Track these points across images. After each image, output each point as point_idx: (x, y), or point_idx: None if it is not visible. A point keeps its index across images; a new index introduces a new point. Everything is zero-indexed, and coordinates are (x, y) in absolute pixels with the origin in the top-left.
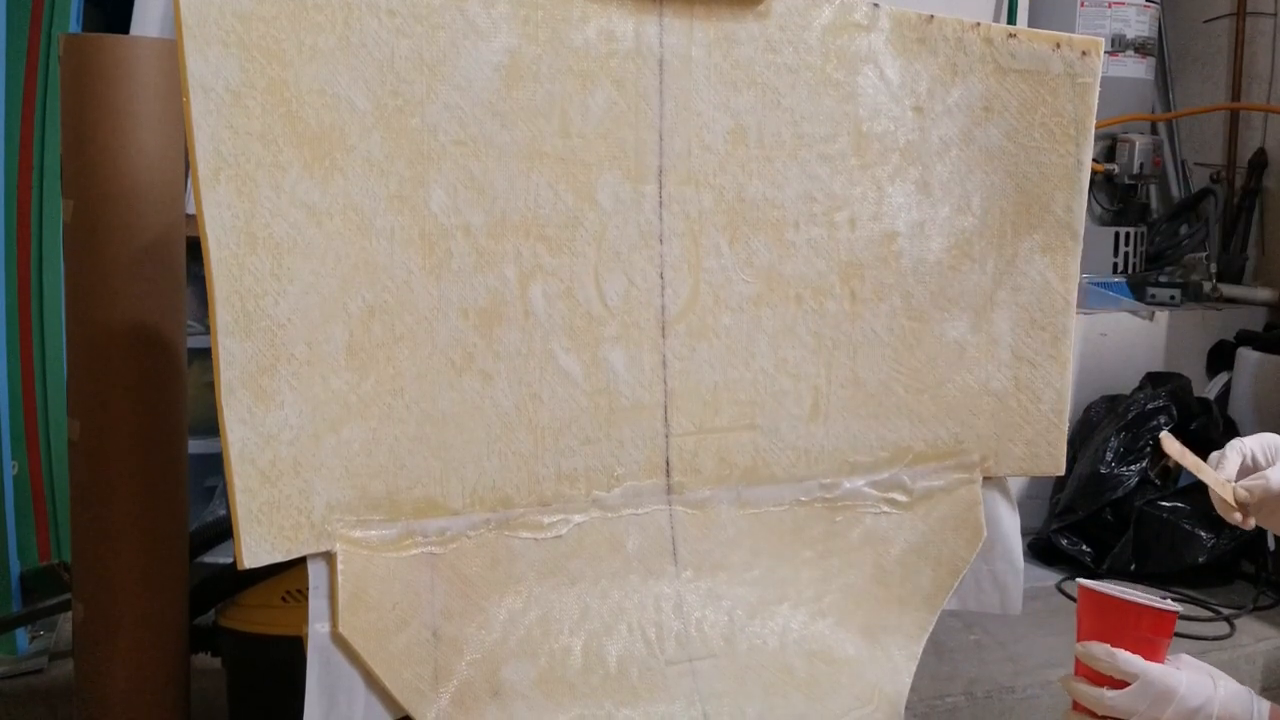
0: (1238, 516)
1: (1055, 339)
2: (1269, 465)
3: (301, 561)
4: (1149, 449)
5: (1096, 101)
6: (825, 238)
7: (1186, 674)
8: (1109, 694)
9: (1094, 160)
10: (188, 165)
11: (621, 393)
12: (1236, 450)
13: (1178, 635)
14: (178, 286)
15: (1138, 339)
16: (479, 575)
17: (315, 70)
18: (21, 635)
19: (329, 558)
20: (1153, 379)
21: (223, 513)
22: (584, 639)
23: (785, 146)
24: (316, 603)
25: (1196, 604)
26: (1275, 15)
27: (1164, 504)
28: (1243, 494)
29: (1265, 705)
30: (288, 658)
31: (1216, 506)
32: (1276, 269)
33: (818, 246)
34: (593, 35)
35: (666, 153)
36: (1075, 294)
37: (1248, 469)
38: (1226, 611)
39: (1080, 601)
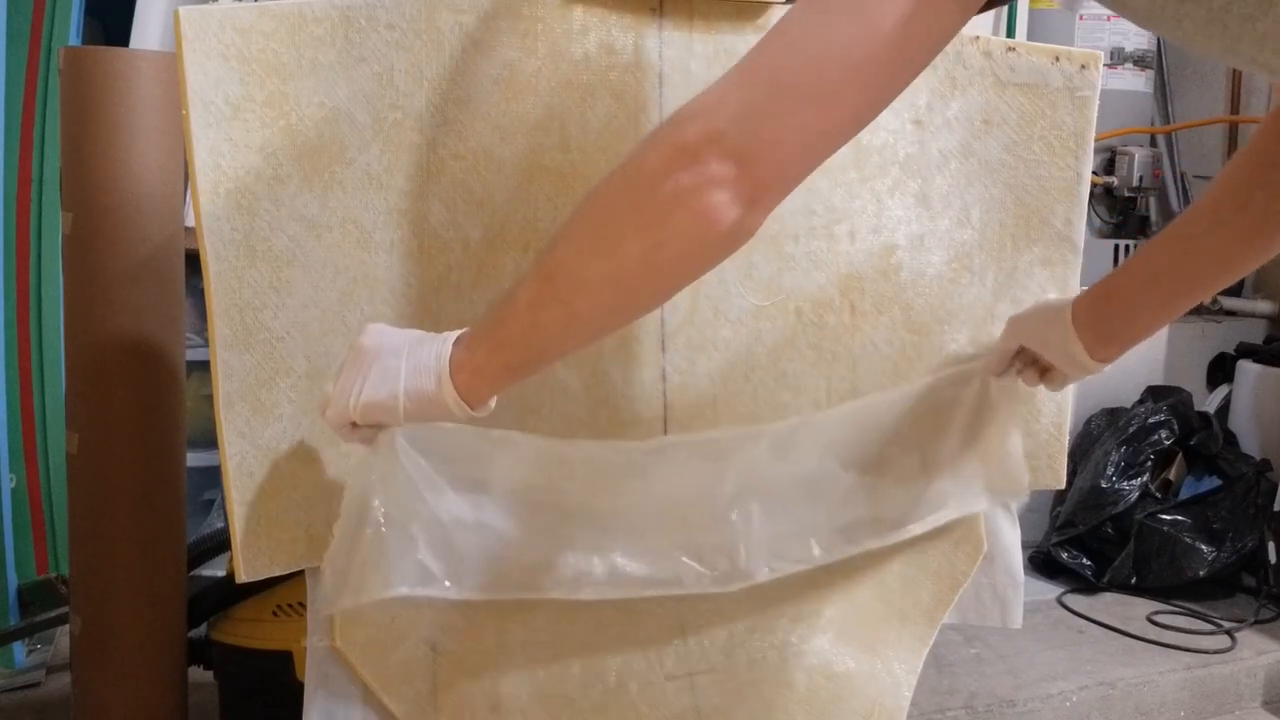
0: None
1: None
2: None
3: (294, 575)
4: (1150, 462)
5: (1096, 114)
6: (825, 250)
7: None
8: None
9: (1093, 173)
10: (187, 178)
11: (620, 406)
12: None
13: (1178, 649)
14: (177, 299)
15: (1138, 352)
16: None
17: (315, 84)
18: (19, 649)
19: None
20: (1153, 392)
21: (221, 525)
22: (583, 654)
23: None
24: (315, 616)
25: (1197, 617)
26: None
27: (1164, 517)
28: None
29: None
30: (279, 672)
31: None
32: (1276, 281)
33: (817, 259)
34: (592, 48)
35: None
36: None
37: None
38: (1227, 625)
39: None
